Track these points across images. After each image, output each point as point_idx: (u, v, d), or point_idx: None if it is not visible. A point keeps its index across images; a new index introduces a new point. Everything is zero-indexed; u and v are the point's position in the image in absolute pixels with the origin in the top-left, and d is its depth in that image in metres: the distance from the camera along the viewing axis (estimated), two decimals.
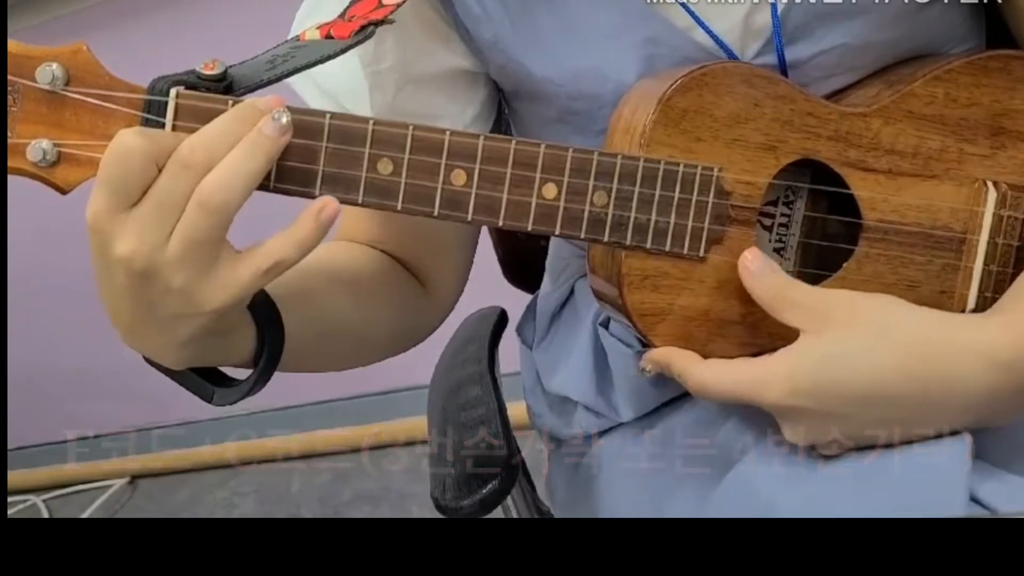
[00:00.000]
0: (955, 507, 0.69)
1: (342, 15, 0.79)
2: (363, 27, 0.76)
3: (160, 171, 0.65)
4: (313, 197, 0.69)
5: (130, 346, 0.71)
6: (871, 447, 0.74)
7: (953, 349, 0.71)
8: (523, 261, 1.30)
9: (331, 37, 0.76)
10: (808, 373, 0.71)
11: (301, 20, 0.89)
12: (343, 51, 0.75)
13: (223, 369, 0.78)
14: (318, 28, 0.77)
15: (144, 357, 0.73)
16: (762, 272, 0.75)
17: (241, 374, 0.77)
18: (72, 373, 2.84)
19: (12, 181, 0.95)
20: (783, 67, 0.81)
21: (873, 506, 0.71)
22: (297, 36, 0.78)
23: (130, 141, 0.63)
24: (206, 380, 0.76)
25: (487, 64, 0.88)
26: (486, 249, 1.27)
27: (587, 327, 0.97)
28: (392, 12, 0.77)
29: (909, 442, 0.73)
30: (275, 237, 0.67)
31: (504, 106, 0.96)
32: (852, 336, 0.72)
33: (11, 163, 0.67)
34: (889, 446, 0.73)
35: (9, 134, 0.66)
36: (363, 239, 0.97)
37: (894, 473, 0.72)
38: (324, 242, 0.92)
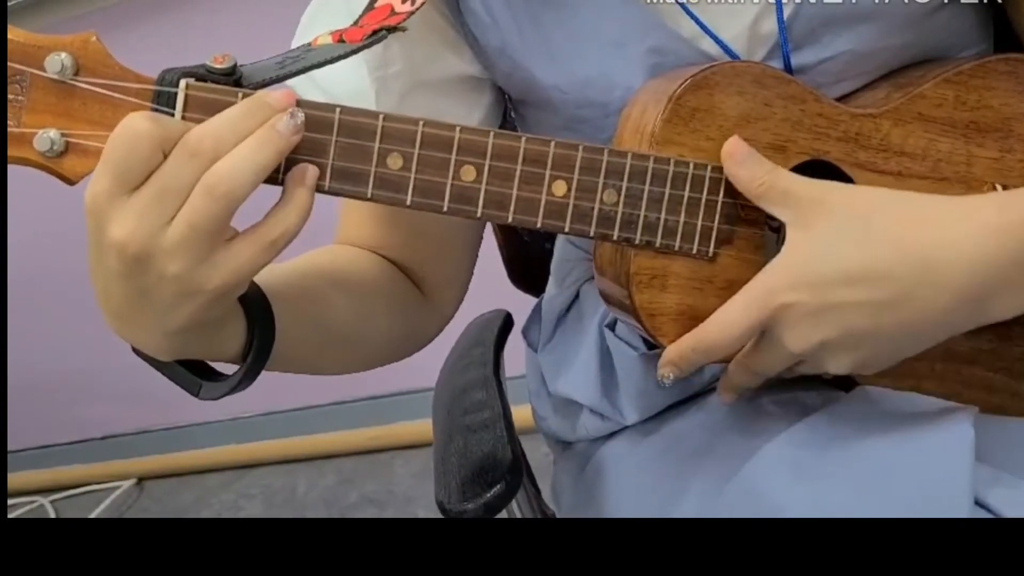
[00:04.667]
0: (960, 507, 0.69)
1: (355, 23, 0.79)
2: (375, 32, 0.76)
3: (166, 157, 0.64)
4: (323, 191, 0.69)
5: (118, 333, 0.71)
6: (877, 439, 0.73)
7: (945, 219, 0.71)
8: (528, 263, 1.30)
9: (343, 42, 0.76)
10: (802, 264, 0.71)
11: (307, 22, 0.89)
12: (355, 52, 0.74)
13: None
14: (330, 34, 0.77)
15: (132, 348, 0.73)
16: (747, 160, 0.74)
17: (231, 370, 0.77)
18: (79, 375, 2.84)
19: (19, 183, 0.95)
20: (789, 73, 0.80)
21: (878, 507, 0.70)
22: (309, 42, 0.78)
23: (139, 125, 0.63)
24: (194, 374, 0.75)
25: (494, 71, 0.88)
26: (491, 252, 1.27)
27: (593, 330, 0.97)
28: (405, 19, 0.77)
29: (915, 432, 0.73)
30: (274, 211, 0.67)
31: (511, 111, 0.96)
32: (842, 220, 0.71)
33: (18, 153, 0.66)
34: (896, 430, 0.73)
35: (16, 123, 0.66)
36: (365, 244, 0.96)
37: (897, 471, 0.72)
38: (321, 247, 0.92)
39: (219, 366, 0.77)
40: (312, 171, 0.68)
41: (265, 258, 0.67)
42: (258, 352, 0.75)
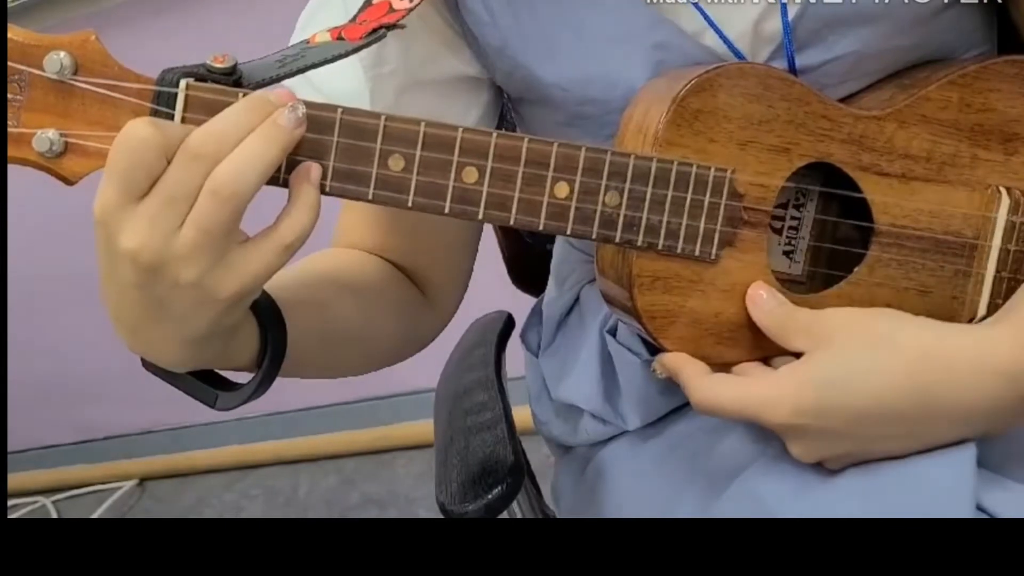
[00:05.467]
0: (962, 514, 0.69)
1: (353, 19, 0.78)
2: (374, 30, 0.75)
3: (169, 162, 0.64)
4: (325, 192, 0.69)
5: (131, 347, 0.70)
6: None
7: (954, 360, 0.71)
8: (530, 264, 1.30)
9: (342, 39, 0.76)
10: (811, 392, 0.71)
11: (304, 23, 0.89)
12: (355, 51, 0.74)
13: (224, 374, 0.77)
14: (328, 31, 0.77)
15: (142, 363, 0.72)
16: (767, 302, 0.75)
17: (242, 378, 0.77)
18: (80, 375, 2.84)
19: (22, 183, 0.94)
20: (793, 74, 0.80)
21: (879, 514, 0.70)
22: (307, 39, 0.77)
23: (140, 131, 0.63)
24: (206, 384, 0.75)
25: (493, 70, 0.88)
26: (492, 252, 1.27)
27: (594, 334, 0.97)
28: (403, 17, 0.77)
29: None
30: (285, 214, 0.67)
31: (509, 111, 0.96)
32: (853, 353, 0.72)
33: (17, 153, 0.66)
34: (893, 461, 0.73)
35: (15, 123, 0.66)
36: (363, 246, 0.96)
37: (900, 483, 0.71)
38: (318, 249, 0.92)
39: (228, 374, 0.77)
40: (316, 168, 0.68)
41: (281, 261, 0.67)
42: (273, 358, 0.75)
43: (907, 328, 0.73)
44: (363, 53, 0.77)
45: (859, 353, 0.71)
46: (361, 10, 0.79)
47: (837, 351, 0.72)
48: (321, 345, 0.83)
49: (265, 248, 0.66)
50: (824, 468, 0.74)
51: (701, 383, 0.75)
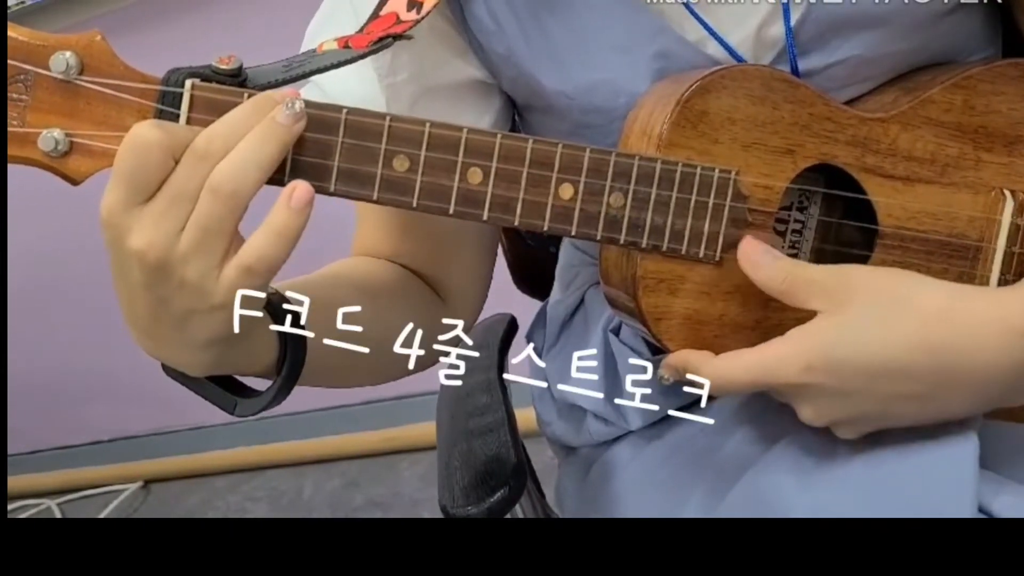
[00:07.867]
0: (963, 514, 0.69)
1: (360, 30, 0.79)
2: (382, 39, 0.76)
3: (176, 164, 0.64)
4: (328, 193, 0.69)
5: (148, 352, 0.70)
6: (881, 446, 0.73)
7: (973, 320, 0.70)
8: (533, 267, 1.29)
9: (348, 48, 0.76)
10: (823, 348, 0.70)
11: (313, 33, 0.89)
12: (361, 57, 0.74)
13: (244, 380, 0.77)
14: (335, 41, 0.77)
15: (163, 368, 0.72)
16: (765, 260, 0.74)
17: (261, 384, 0.76)
18: (86, 377, 2.84)
19: (26, 183, 0.94)
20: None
21: (882, 514, 0.70)
22: (313, 48, 0.78)
23: (147, 134, 0.63)
24: (225, 390, 0.74)
25: (500, 77, 0.88)
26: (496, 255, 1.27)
27: (597, 335, 0.97)
28: (411, 28, 0.77)
29: (919, 441, 0.72)
30: (253, 235, 0.66)
31: (517, 117, 0.96)
32: (869, 310, 0.71)
33: (22, 153, 0.66)
34: (901, 439, 0.72)
35: (20, 123, 0.66)
36: (382, 253, 0.96)
37: (902, 480, 0.71)
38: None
39: (250, 381, 0.76)
40: (301, 190, 0.66)
41: (248, 282, 0.66)
42: (292, 365, 0.74)
43: (926, 288, 0.72)
44: (377, 62, 0.77)
45: (874, 311, 0.71)
46: (369, 21, 0.79)
47: (853, 308, 0.71)
48: (338, 351, 0.83)
49: (234, 264, 0.65)
50: (827, 462, 0.74)
51: (712, 364, 0.74)
